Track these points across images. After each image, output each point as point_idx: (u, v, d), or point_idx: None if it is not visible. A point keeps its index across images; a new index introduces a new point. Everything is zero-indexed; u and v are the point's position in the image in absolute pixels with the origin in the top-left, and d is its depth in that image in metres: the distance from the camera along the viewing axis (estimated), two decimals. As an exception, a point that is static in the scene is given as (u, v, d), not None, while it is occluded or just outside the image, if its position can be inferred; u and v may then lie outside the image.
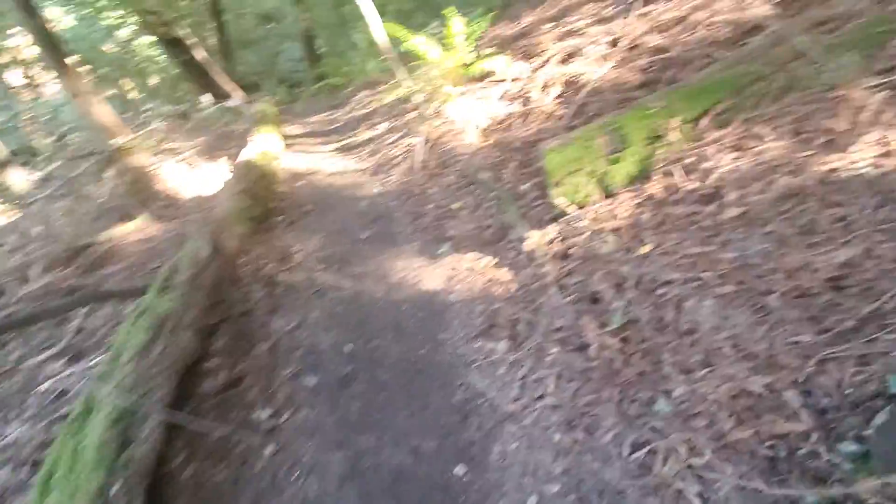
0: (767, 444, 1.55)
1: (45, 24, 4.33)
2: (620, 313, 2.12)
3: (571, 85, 3.47)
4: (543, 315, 2.33)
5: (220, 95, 8.95)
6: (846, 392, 1.49)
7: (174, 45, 9.69)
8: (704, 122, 2.36)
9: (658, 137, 2.41)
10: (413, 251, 3.08)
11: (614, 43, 3.58)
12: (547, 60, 3.94)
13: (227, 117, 7.23)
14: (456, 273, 2.83)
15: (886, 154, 1.88)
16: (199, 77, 9.72)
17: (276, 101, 10.02)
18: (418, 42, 4.01)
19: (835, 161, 1.95)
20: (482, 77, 4.15)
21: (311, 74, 10.54)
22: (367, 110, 5.72)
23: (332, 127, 6.17)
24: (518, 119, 3.54)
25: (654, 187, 2.38)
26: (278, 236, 3.50)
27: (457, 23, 4.02)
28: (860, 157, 1.91)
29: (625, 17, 3.80)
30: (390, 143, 4.48)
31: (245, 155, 4.43)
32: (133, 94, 12.04)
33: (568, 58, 3.79)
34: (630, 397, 1.86)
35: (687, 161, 2.33)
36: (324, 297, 2.95)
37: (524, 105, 3.62)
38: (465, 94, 4.07)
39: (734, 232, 2.04)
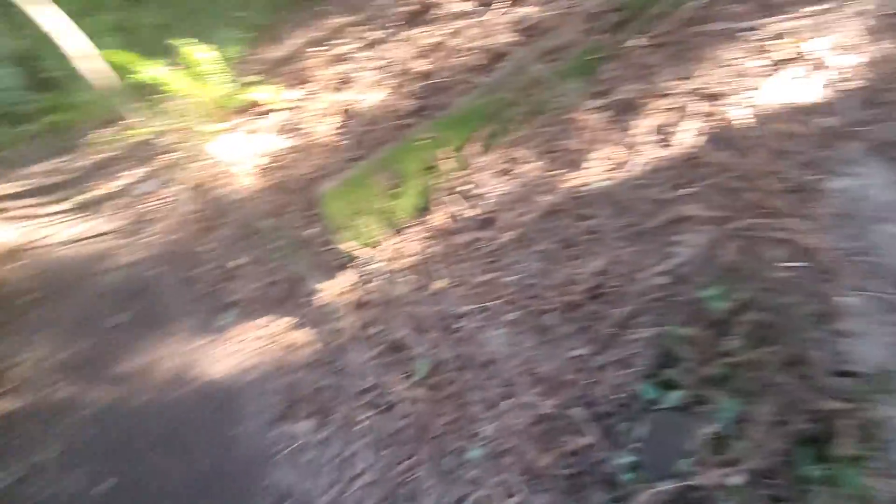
0: (566, 463, 1.66)
1: None
2: (425, 360, 2.08)
3: (349, 114, 3.40)
4: (348, 377, 2.18)
5: None
6: (617, 400, 1.68)
7: None
8: (471, 148, 2.50)
9: (433, 168, 2.48)
10: (188, 329, 2.62)
11: (384, 68, 3.64)
12: (320, 88, 3.82)
13: None
14: (244, 346, 2.48)
15: (613, 168, 2.23)
16: None
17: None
18: (159, 72, 3.47)
19: (579, 178, 2.24)
20: (250, 108, 3.81)
21: (38, 107, 8.53)
22: (112, 154, 4.78)
23: (64, 178, 4.99)
24: (296, 154, 3.33)
25: (438, 218, 2.44)
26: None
27: (206, 51, 3.60)
28: (595, 172, 2.23)
29: (391, 42, 3.91)
30: (146, 195, 3.79)
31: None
32: None
33: (342, 84, 3.73)
34: (444, 451, 1.83)
35: (462, 189, 2.44)
36: (66, 421, 2.29)
37: (302, 138, 3.43)
38: (231, 129, 3.68)
39: (512, 254, 2.20)
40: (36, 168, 5.62)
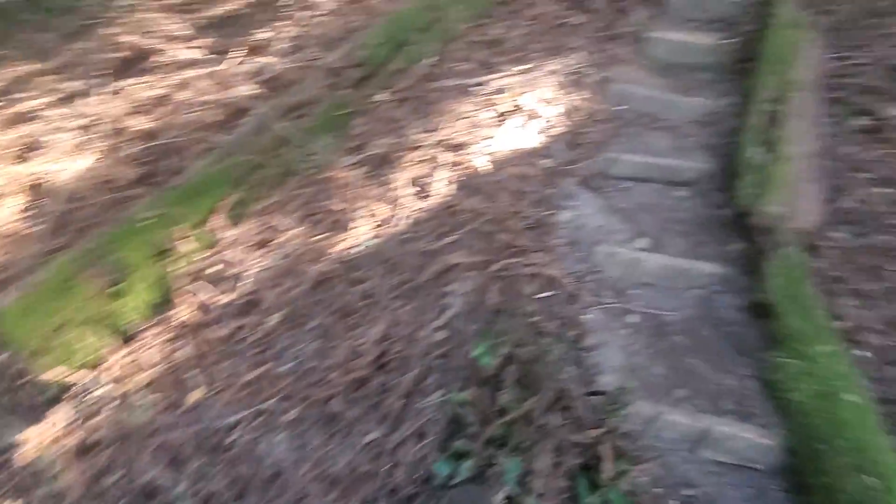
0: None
1: None
2: (188, 498, 1.62)
3: (40, 191, 2.60)
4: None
5: None
6: (419, 478, 1.55)
7: None
8: (216, 221, 2.13)
9: (167, 251, 2.02)
10: None
11: (89, 128, 2.94)
12: (-9, 156, 2.86)
13: None
14: None
15: (378, 224, 2.16)
16: None
17: None
18: None
19: (345, 240, 2.10)
20: None
21: None
22: None
23: None
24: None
25: (183, 312, 1.98)
26: None
27: None
28: (362, 232, 2.13)
29: (98, 95, 3.20)
30: None
31: None
32: None
33: (26, 152, 2.86)
34: None
35: (212, 271, 2.05)
36: None
37: (-37, 229, 2.48)
38: None
39: (283, 339, 1.91)
40: None
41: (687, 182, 2.52)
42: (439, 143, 2.42)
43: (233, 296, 1.99)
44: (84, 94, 3.26)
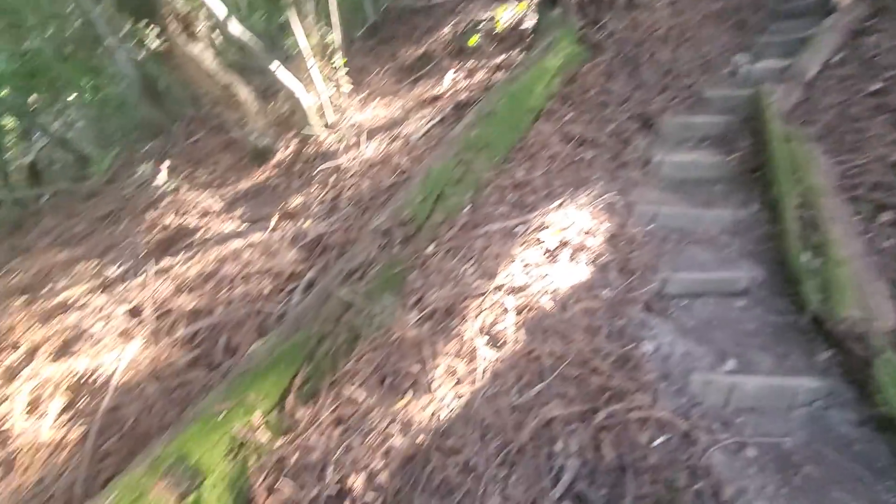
0: None
1: None
2: None
3: (85, 388, 2.43)
4: None
5: None
6: None
7: None
8: (290, 403, 1.98)
9: (242, 445, 1.82)
10: None
11: (136, 313, 2.87)
12: (30, 356, 2.72)
13: None
14: None
15: (459, 382, 2.03)
16: None
17: None
18: None
19: (428, 404, 1.95)
20: None
21: None
22: None
23: None
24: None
25: (266, 515, 1.73)
26: None
27: None
28: (444, 393, 1.98)
29: (140, 277, 3.19)
30: None
31: None
32: None
33: (67, 346, 2.74)
34: None
35: (292, 460, 1.84)
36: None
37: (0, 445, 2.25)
38: None
39: (384, 535, 1.65)
40: None
41: (742, 292, 2.50)
42: (498, 288, 2.40)
43: (318, 489, 1.76)
44: (122, 279, 3.25)
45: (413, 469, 1.78)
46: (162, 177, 4.10)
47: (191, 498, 1.69)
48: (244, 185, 4.23)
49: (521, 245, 2.62)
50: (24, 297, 3.28)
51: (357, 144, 4.13)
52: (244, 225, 3.57)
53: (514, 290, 2.37)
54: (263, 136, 4.55)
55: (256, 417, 1.88)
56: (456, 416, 1.90)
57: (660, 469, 1.62)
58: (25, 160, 7.94)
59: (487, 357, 2.10)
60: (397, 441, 1.85)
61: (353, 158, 3.96)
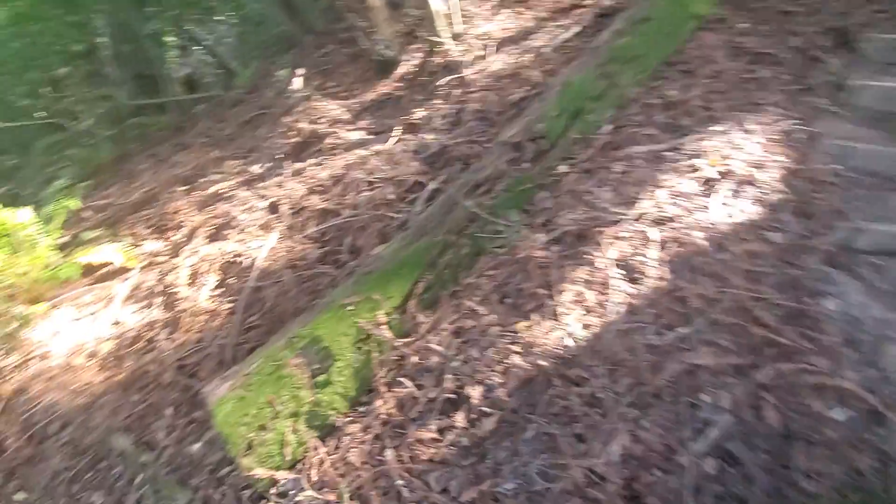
0: None
1: None
2: None
3: (233, 268, 2.64)
4: None
5: None
6: None
7: None
8: (411, 307, 1.93)
9: (367, 338, 1.83)
10: None
11: (274, 208, 3.01)
12: (190, 236, 3.01)
13: None
14: None
15: (588, 311, 1.82)
16: None
17: None
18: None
19: (552, 330, 1.79)
20: (86, 275, 2.82)
21: None
22: None
23: None
24: (161, 330, 2.41)
25: (385, 405, 1.75)
26: None
27: (22, 212, 2.64)
28: (571, 321, 1.80)
29: (277, 176, 3.33)
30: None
31: None
32: None
33: (219, 231, 2.97)
34: None
35: (412, 361, 1.82)
36: None
37: (168, 307, 2.54)
38: (58, 307, 2.64)
39: (499, 448, 1.58)
40: None
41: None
42: (640, 217, 2.08)
43: (436, 392, 1.73)
44: (264, 176, 3.41)
45: (532, 391, 1.67)
46: (297, 83, 4.17)
47: (322, 377, 1.75)
48: (369, 96, 4.15)
49: (671, 172, 2.23)
50: (185, 187, 3.62)
51: (484, 56, 3.80)
52: (368, 135, 3.52)
53: (659, 221, 2.04)
54: (390, 47, 4.37)
55: (380, 315, 1.86)
56: (582, 347, 1.72)
57: (838, 445, 1.32)
58: (183, 72, 8.71)
59: (622, 290, 1.85)
60: (517, 360, 1.73)
61: (480, 70, 3.65)
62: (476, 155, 2.70)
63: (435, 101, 3.58)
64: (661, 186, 2.19)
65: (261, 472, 1.64)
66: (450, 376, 1.75)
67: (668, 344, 1.67)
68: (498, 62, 3.67)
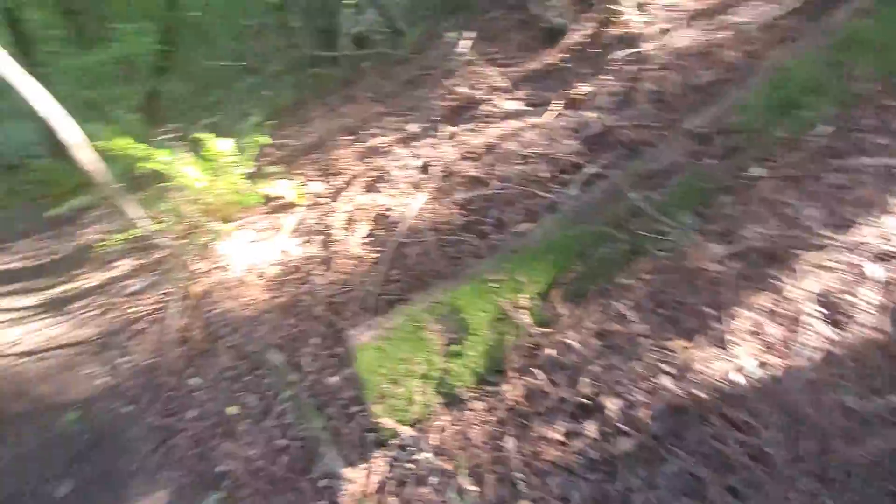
0: None
1: None
2: None
3: (383, 220, 2.74)
4: None
5: None
6: None
7: None
8: (554, 296, 1.80)
9: (505, 319, 1.75)
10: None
11: (425, 168, 3.03)
12: (349, 183, 3.19)
13: None
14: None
15: (767, 348, 1.52)
16: None
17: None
18: (166, 161, 2.85)
19: (717, 359, 1.52)
20: (265, 204, 3.16)
21: (40, 174, 7.94)
22: (98, 235, 4.07)
23: (41, 262, 4.25)
24: (317, 265, 2.61)
25: (513, 391, 1.68)
26: None
27: (221, 137, 3.01)
28: (742, 353, 1.52)
29: (432, 138, 3.34)
30: (131, 296, 3.04)
31: None
32: None
33: (374, 183, 3.10)
34: None
35: (547, 353, 1.71)
36: None
37: (325, 245, 2.74)
38: (241, 228, 3.01)
39: (633, 473, 1.42)
40: (21, 243, 4.88)
41: None
42: (857, 246, 1.64)
43: (568, 392, 1.61)
44: (420, 135, 3.45)
45: (681, 422, 1.45)
46: (464, 46, 4.10)
47: (455, 347, 1.73)
48: (532, 65, 3.92)
49: (913, 197, 1.72)
50: (349, 137, 3.83)
51: (668, 30, 3.31)
52: (526, 106, 3.33)
53: (884, 257, 1.59)
54: (562, 15, 4.04)
55: (522, 299, 1.76)
56: (754, 388, 1.44)
57: None
58: (356, 29, 9.22)
59: (819, 331, 1.50)
60: (667, 383, 1.52)
61: (661, 46, 3.20)
62: (646, 142, 2.39)
63: (603, 77, 3.24)
64: (892, 212, 1.70)
65: (387, 422, 1.70)
66: (586, 380, 1.60)
67: (874, 413, 1.31)
68: (685, 38, 3.18)
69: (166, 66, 8.58)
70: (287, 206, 3.16)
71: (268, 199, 3.17)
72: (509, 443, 1.57)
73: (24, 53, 7.29)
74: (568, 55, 3.83)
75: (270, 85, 5.96)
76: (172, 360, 2.40)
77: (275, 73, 6.06)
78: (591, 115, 2.90)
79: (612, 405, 1.53)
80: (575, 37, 3.96)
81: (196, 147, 3.01)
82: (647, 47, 3.25)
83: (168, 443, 2.03)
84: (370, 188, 3.05)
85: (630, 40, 3.45)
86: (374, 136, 3.66)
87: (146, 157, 2.82)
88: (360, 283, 2.38)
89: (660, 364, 1.56)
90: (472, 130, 3.25)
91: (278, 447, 1.90)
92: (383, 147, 3.44)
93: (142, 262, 3.34)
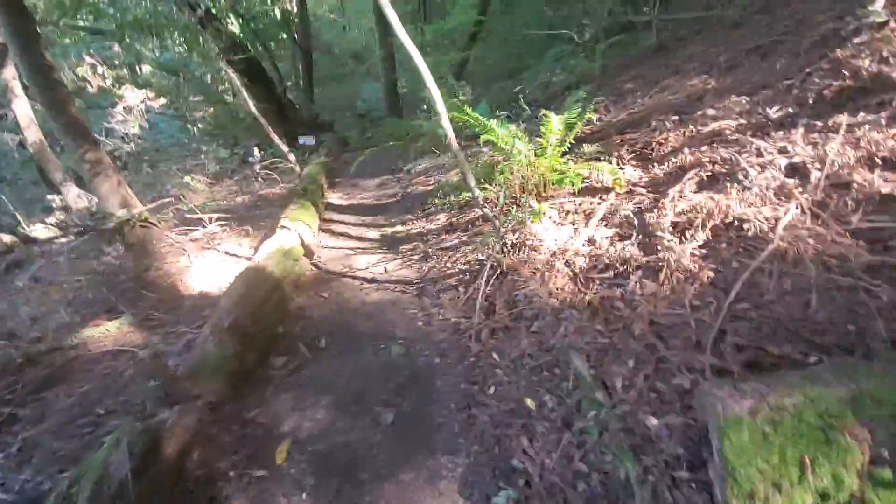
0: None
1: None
2: None
3: (728, 232, 2.14)
4: None
5: (289, 136, 8.20)
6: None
7: (256, 82, 9.11)
8: None
9: None
10: (453, 483, 1.83)
11: (798, 171, 2.23)
12: (677, 174, 2.64)
13: (278, 173, 6.40)
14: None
15: None
16: (278, 117, 8.97)
17: (346, 142, 9.22)
18: (502, 134, 2.87)
19: None
20: (579, 185, 2.90)
21: (388, 117, 9.77)
22: (426, 189, 4.59)
23: (384, 202, 5.10)
24: (634, 270, 2.24)
25: None
26: (267, 401, 2.37)
27: (555, 119, 2.83)
28: None
29: (808, 130, 2.44)
30: (448, 250, 3.30)
31: (262, 253, 3.28)
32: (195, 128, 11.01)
33: (714, 179, 2.47)
34: None
35: None
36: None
37: (644, 247, 2.33)
38: (553, 208, 2.84)
39: None
40: (370, 183, 6.08)
41: None
42: None
43: None
44: (789, 126, 2.57)
45: None
46: (877, 3, 2.82)
47: (885, 471, 1.13)
48: None
49: None
50: (675, 117, 3.21)
51: None
52: None
53: None
54: None
55: None
56: None
57: None
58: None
59: None
60: None
61: None
62: None
63: None
64: None
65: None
66: None
67: None
68: None
69: (479, 33, 9.20)
70: (599, 191, 2.86)
71: (582, 180, 2.91)
72: None
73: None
74: None
75: (579, 53, 5.61)
76: (477, 326, 2.48)
77: (586, 40, 5.66)
78: None
79: None
80: None
81: (522, 119, 2.96)
82: None
83: (469, 413, 2.09)
84: (708, 186, 2.45)
85: None
86: (712, 118, 2.94)
87: (484, 129, 2.91)
88: (693, 309, 1.91)
89: None
90: (882, 125, 2.21)
91: (577, 470, 1.71)
92: (728, 134, 2.71)
93: (459, 221, 3.63)
